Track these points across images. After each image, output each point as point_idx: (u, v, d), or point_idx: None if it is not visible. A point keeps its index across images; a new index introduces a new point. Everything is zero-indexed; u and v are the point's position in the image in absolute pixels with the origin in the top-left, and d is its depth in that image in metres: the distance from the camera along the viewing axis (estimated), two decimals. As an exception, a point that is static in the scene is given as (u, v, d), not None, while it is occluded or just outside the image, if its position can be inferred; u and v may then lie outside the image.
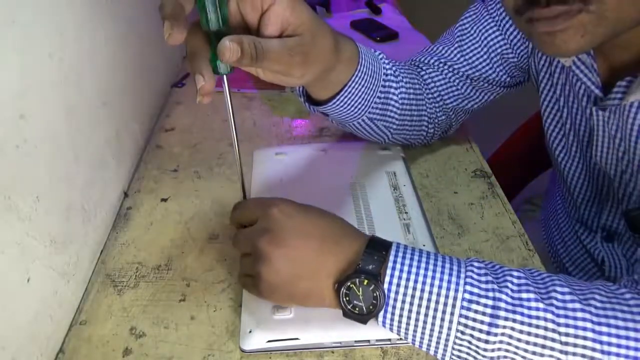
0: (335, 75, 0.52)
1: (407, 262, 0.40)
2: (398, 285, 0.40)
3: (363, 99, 0.56)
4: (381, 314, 0.40)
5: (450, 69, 0.65)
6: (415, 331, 0.40)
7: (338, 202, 0.60)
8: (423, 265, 0.40)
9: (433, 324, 0.39)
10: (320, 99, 0.56)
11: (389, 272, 0.40)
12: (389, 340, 0.47)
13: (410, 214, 0.58)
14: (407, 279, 0.40)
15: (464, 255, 0.57)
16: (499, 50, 0.63)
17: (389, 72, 0.59)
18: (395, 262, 0.40)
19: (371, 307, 0.40)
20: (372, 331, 0.47)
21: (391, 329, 0.41)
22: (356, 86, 0.54)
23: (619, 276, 0.63)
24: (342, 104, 0.55)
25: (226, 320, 0.51)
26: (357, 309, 0.41)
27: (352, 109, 0.57)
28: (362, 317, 0.41)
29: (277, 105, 0.85)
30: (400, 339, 0.47)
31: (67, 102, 0.52)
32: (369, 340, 0.47)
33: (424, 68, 0.66)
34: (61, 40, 0.51)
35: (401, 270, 0.40)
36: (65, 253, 0.51)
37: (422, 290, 0.39)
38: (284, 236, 0.43)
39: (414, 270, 0.40)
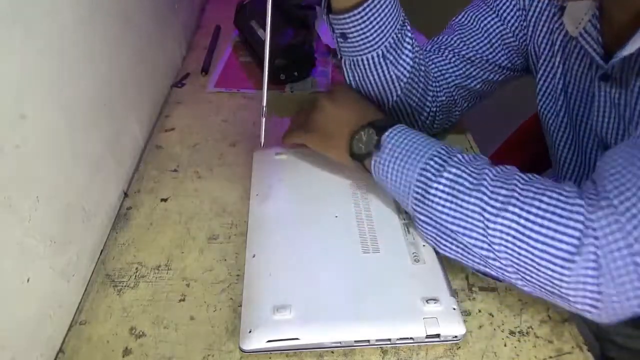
0: None
1: (404, 130, 0.53)
2: (390, 141, 0.52)
3: (386, 21, 0.56)
4: (374, 157, 0.53)
5: (451, 52, 0.67)
6: (391, 180, 0.52)
7: (338, 202, 0.60)
8: (414, 136, 0.52)
9: (405, 170, 0.50)
10: (342, 7, 0.56)
11: (388, 132, 0.53)
12: (389, 340, 0.47)
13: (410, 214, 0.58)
14: (398, 141, 0.52)
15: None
16: (498, 35, 0.65)
17: (405, 20, 0.61)
18: (397, 127, 0.53)
19: (371, 149, 0.53)
20: (372, 331, 0.47)
21: (375, 172, 0.53)
22: (382, 2, 0.55)
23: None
24: (366, 15, 0.55)
25: (226, 320, 0.51)
26: (360, 150, 0.54)
27: (374, 27, 0.56)
28: (362, 156, 0.54)
29: (277, 105, 0.85)
30: (407, 338, 0.47)
31: (67, 102, 0.52)
32: (368, 340, 0.47)
33: (423, 55, 0.66)
34: (61, 40, 0.51)
35: (397, 133, 0.52)
36: (65, 253, 0.51)
37: (404, 149, 0.51)
38: (337, 95, 0.61)
39: (406, 135, 0.52)
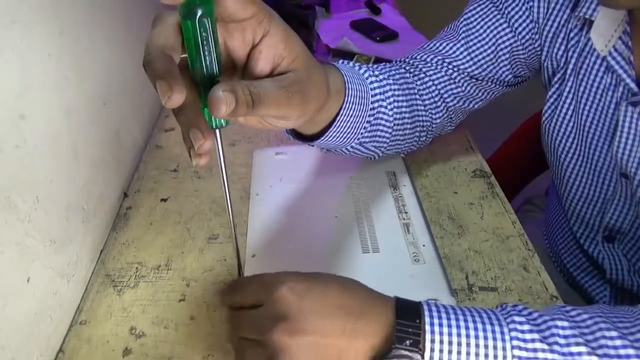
0: (325, 111, 0.46)
1: (445, 329, 0.36)
2: (441, 357, 0.35)
3: (352, 127, 0.51)
4: None
5: (455, 69, 0.62)
6: None
7: (338, 202, 0.60)
8: (463, 330, 0.36)
9: None
10: (307, 134, 0.50)
11: (428, 345, 0.35)
12: (389, 340, 0.47)
13: (410, 214, 0.58)
14: (450, 351, 0.35)
15: (463, 255, 0.57)
16: (507, 48, 0.61)
17: (376, 91, 0.54)
18: (433, 332, 0.36)
19: None
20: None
21: None
22: (345, 118, 0.49)
23: (621, 278, 0.63)
24: (331, 137, 0.50)
25: (226, 320, 0.51)
26: None
27: (342, 139, 0.51)
28: None
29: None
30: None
31: (67, 102, 0.52)
32: (368, 340, 0.47)
33: (423, 69, 0.62)
34: (61, 40, 0.51)
35: (441, 342, 0.35)
36: (65, 253, 0.51)
37: (468, 355, 0.35)
38: (302, 321, 0.36)
39: (454, 338, 0.36)
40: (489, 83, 0.63)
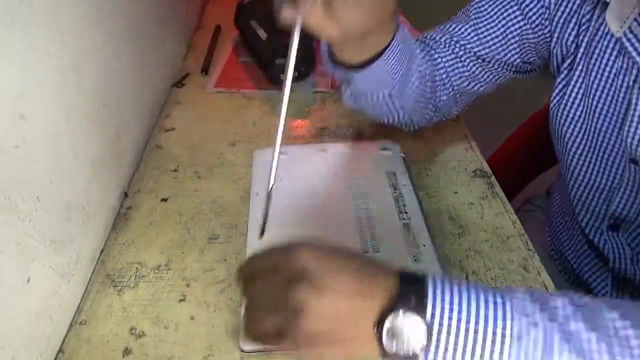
0: (375, 38, 0.52)
1: (447, 296, 0.36)
2: (441, 322, 0.35)
3: (395, 68, 0.55)
4: (425, 349, 0.35)
5: (462, 48, 0.63)
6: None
7: (338, 202, 0.60)
8: (465, 295, 0.36)
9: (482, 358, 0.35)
10: (349, 62, 0.55)
11: (429, 308, 0.35)
12: (389, 340, 0.47)
13: (410, 214, 0.58)
14: (450, 316, 0.35)
15: (463, 255, 0.57)
16: (517, 31, 0.61)
17: (416, 49, 0.59)
18: (435, 298, 0.36)
19: (419, 344, 0.35)
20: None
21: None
22: (393, 55, 0.53)
23: (623, 267, 0.63)
24: (374, 70, 0.54)
25: (226, 320, 0.51)
26: (399, 346, 0.36)
27: (381, 79, 0.55)
28: (407, 356, 0.36)
29: (277, 105, 0.85)
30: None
31: (67, 102, 0.52)
32: (369, 340, 0.47)
33: (433, 47, 0.64)
34: (61, 40, 0.51)
35: (442, 308, 0.35)
36: (65, 253, 0.51)
37: (468, 322, 0.35)
38: (320, 279, 0.37)
39: (455, 301, 0.36)
40: (496, 66, 0.64)
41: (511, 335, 0.34)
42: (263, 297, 0.38)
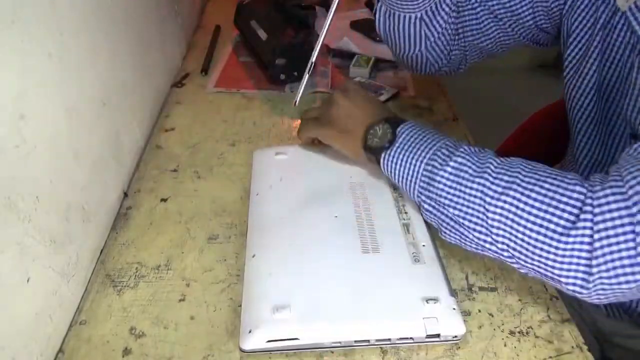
0: None
1: (416, 126, 0.54)
2: (402, 134, 0.54)
3: None
4: (387, 151, 0.54)
5: (479, 2, 0.65)
6: (399, 170, 0.53)
7: (338, 202, 0.60)
8: (425, 132, 0.53)
9: (413, 162, 0.52)
10: None
11: (401, 127, 0.54)
12: (389, 340, 0.47)
13: (410, 214, 0.58)
14: (409, 135, 0.53)
15: (464, 255, 0.57)
16: None
17: None
18: (409, 123, 0.55)
19: (385, 143, 0.54)
20: (372, 331, 0.47)
21: (385, 165, 0.54)
22: None
23: None
24: None
25: (226, 320, 0.51)
26: (374, 142, 0.56)
27: None
28: (376, 149, 0.55)
29: (277, 105, 0.85)
30: (407, 338, 0.47)
31: (67, 102, 0.52)
32: (368, 340, 0.47)
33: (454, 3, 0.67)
34: (61, 40, 0.51)
35: (409, 128, 0.54)
36: (65, 253, 0.51)
37: (414, 142, 0.52)
38: (348, 91, 0.62)
39: (417, 130, 0.53)
40: (507, 25, 0.65)
41: (440, 161, 0.50)
42: (312, 112, 0.67)
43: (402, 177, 0.53)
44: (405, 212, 0.58)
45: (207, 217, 0.63)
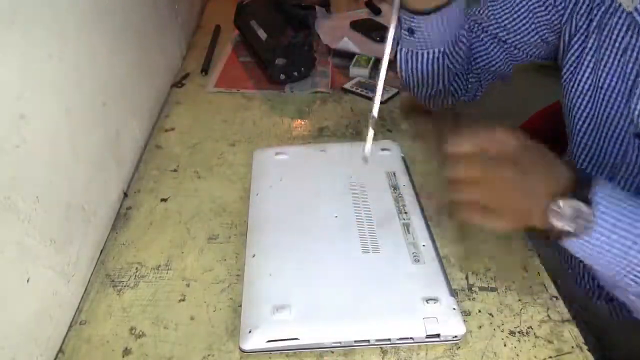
0: None
1: (614, 201, 0.44)
2: (604, 220, 0.43)
3: (453, 25, 0.61)
4: (582, 236, 0.44)
5: (481, 30, 0.67)
6: (603, 258, 0.44)
7: (338, 202, 0.60)
8: (628, 204, 0.44)
9: (619, 255, 0.43)
10: (418, 9, 0.60)
11: (598, 207, 0.43)
12: (389, 340, 0.47)
13: (410, 214, 0.58)
14: (612, 219, 0.43)
15: (464, 255, 0.57)
16: (528, 7, 0.64)
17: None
18: (602, 197, 0.43)
19: (576, 227, 0.44)
20: (372, 331, 0.47)
21: (583, 251, 0.45)
22: (452, 12, 0.59)
23: None
24: (439, 19, 0.60)
25: (226, 320, 0.51)
26: (562, 225, 0.44)
27: (442, 30, 0.61)
28: (562, 233, 0.44)
29: (277, 105, 0.85)
30: (407, 338, 0.47)
31: (67, 102, 0.52)
32: (368, 340, 0.47)
33: (465, 34, 0.67)
34: (61, 40, 0.51)
35: (609, 208, 0.43)
36: (65, 253, 0.51)
37: (619, 228, 0.43)
38: (525, 157, 0.46)
39: (617, 207, 0.43)
40: (514, 47, 0.67)
41: None
42: (475, 169, 0.46)
43: (607, 264, 0.45)
44: (405, 212, 0.58)
45: (207, 217, 0.63)
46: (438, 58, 0.65)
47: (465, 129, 0.48)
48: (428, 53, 0.65)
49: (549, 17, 0.63)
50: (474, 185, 0.47)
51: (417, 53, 0.66)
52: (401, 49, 0.66)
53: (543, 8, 0.63)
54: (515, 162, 0.46)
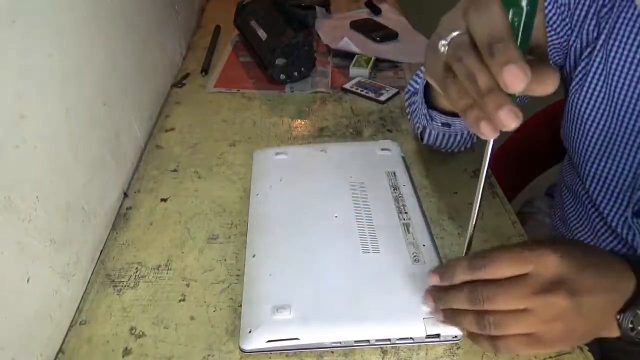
0: None
1: None
2: None
3: None
4: None
5: None
6: None
7: (338, 202, 0.60)
8: None
9: None
10: (445, 108, 0.59)
11: None
12: (389, 340, 0.47)
13: (410, 214, 0.58)
14: None
15: (463, 254, 0.57)
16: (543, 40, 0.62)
17: None
18: None
19: None
20: (372, 331, 0.47)
21: None
22: None
23: None
24: None
25: (226, 320, 0.51)
26: (636, 334, 0.42)
27: None
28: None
29: (277, 105, 0.85)
30: (407, 338, 0.47)
31: (67, 102, 0.52)
32: (368, 340, 0.47)
33: None
34: (61, 40, 0.51)
35: None
36: (65, 253, 0.51)
37: None
38: (578, 281, 0.40)
39: None
40: None
41: None
42: (508, 302, 0.40)
43: None
44: (405, 212, 0.58)
45: (207, 217, 0.63)
46: (464, 133, 0.66)
47: (499, 249, 0.42)
48: (462, 133, 0.66)
49: (560, 40, 0.62)
50: (520, 316, 0.40)
51: (448, 132, 0.66)
52: (430, 132, 0.66)
53: (554, 34, 0.61)
54: (571, 290, 0.39)
